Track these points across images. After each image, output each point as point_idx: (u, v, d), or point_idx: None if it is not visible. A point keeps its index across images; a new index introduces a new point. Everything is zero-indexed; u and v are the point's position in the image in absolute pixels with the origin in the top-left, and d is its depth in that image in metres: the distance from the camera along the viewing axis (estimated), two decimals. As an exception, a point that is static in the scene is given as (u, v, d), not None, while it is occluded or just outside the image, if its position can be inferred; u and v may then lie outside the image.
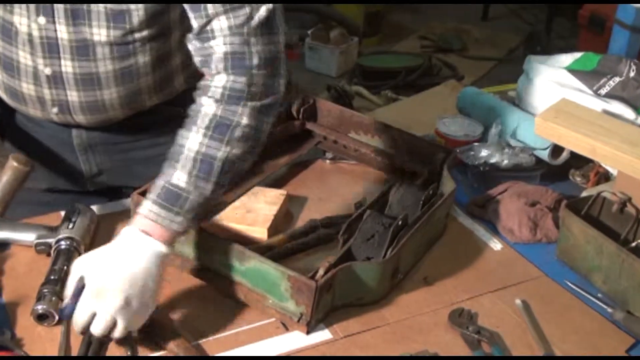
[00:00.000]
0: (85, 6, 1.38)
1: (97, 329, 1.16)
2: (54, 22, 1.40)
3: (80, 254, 1.37)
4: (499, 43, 5.47)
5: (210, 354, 1.24)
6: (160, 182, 1.24)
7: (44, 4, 1.38)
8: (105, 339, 1.18)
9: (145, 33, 1.43)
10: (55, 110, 1.50)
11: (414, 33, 5.57)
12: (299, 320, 1.28)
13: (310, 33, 4.91)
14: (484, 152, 1.81)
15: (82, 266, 1.20)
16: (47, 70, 1.45)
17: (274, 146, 1.76)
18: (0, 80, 1.52)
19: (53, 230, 1.41)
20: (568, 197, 1.64)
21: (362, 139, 1.79)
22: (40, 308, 1.24)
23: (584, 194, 1.67)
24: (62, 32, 1.41)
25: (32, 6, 1.38)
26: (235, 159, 1.28)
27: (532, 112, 1.92)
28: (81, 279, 1.18)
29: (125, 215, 1.50)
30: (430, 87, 4.14)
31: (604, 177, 1.78)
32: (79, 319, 1.17)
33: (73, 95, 1.48)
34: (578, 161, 1.81)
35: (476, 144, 1.85)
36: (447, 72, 4.84)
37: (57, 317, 1.24)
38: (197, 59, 1.31)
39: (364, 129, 1.78)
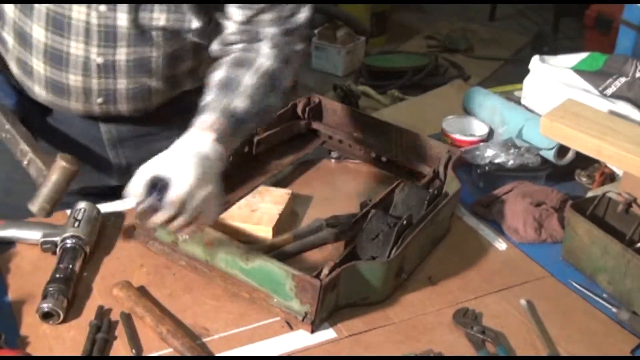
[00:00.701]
0: None
1: (186, 219, 1.22)
2: (115, 10, 1.41)
3: (86, 253, 1.38)
4: (505, 43, 5.47)
5: (215, 353, 1.24)
6: (224, 111, 1.33)
7: None
8: (109, 337, 1.21)
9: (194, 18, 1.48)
10: (100, 100, 1.52)
11: (420, 33, 5.57)
12: (303, 319, 1.29)
13: (317, 32, 4.92)
14: (489, 152, 1.81)
15: (161, 167, 1.23)
16: (100, 59, 1.46)
17: (279, 145, 1.77)
18: (42, 74, 1.51)
19: (59, 228, 1.41)
20: (573, 198, 1.64)
21: (368, 138, 1.79)
22: (46, 306, 1.24)
23: (590, 194, 1.67)
24: (122, 19, 1.42)
25: None
26: (276, 110, 1.51)
27: (538, 112, 1.91)
28: (161, 180, 1.21)
29: (130, 214, 1.52)
30: (436, 87, 4.14)
31: (610, 177, 1.78)
32: (167, 214, 1.20)
33: (122, 83, 1.50)
34: (584, 161, 1.80)
35: (482, 143, 1.85)
36: (453, 72, 4.84)
37: (62, 316, 1.25)
38: (237, 40, 1.45)
39: (370, 128, 1.78)
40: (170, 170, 1.22)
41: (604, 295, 1.45)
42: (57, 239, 1.39)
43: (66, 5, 1.41)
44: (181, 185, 1.20)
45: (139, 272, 1.40)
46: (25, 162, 1.40)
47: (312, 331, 1.29)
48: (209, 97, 1.35)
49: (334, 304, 1.32)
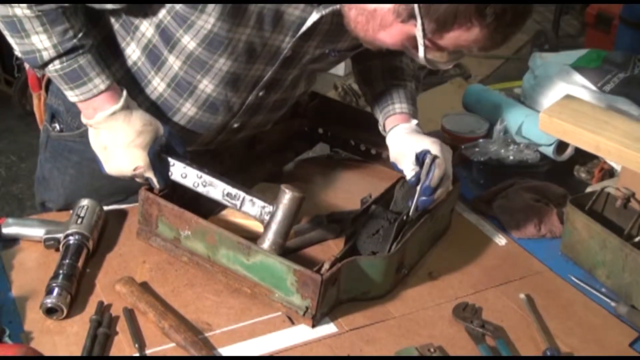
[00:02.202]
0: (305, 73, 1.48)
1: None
2: (274, 92, 1.46)
3: (88, 249, 1.39)
4: (506, 41, 5.45)
5: (217, 348, 1.25)
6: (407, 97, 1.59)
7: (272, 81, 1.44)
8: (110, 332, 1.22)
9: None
10: (213, 146, 1.58)
11: (421, 31, 5.55)
12: (304, 314, 1.29)
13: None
14: (489, 149, 1.82)
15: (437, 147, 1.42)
16: (236, 125, 1.51)
17: (280, 143, 1.78)
18: (179, 131, 1.49)
19: (62, 225, 1.42)
20: (573, 193, 1.65)
21: (368, 136, 1.79)
22: (49, 302, 1.25)
23: (589, 189, 1.68)
24: (273, 97, 1.48)
25: (262, 83, 1.43)
26: None
27: (537, 109, 1.92)
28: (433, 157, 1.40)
29: (132, 212, 1.53)
30: (437, 85, 4.14)
31: (609, 173, 1.79)
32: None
33: (242, 135, 1.57)
34: (583, 157, 1.82)
35: (481, 140, 1.86)
36: (454, 70, 4.83)
37: (65, 311, 1.26)
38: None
39: (370, 126, 1.79)
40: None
41: (603, 289, 1.46)
42: (60, 235, 1.40)
43: (230, 93, 1.43)
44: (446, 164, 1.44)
45: (142, 268, 1.41)
46: (238, 205, 1.37)
47: (313, 326, 1.30)
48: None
49: (335, 298, 1.33)
